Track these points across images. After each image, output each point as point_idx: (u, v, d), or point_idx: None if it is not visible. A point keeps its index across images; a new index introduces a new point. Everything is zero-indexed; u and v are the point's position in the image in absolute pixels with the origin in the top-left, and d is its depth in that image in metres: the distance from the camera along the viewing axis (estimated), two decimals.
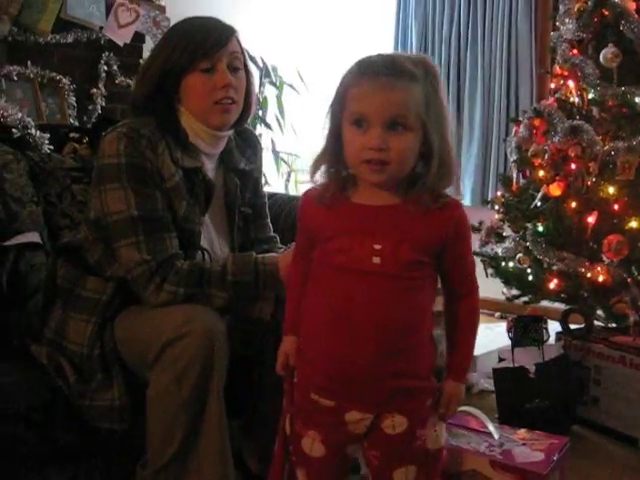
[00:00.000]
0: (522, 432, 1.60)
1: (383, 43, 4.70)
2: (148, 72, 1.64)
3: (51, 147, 2.63)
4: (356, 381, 1.21)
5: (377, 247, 1.18)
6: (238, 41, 1.68)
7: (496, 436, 1.55)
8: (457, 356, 1.31)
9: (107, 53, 3.19)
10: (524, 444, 1.50)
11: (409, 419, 1.23)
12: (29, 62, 2.94)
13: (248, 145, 1.85)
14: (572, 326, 2.55)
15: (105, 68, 3.19)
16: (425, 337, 1.25)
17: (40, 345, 1.67)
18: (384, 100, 1.14)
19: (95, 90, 3.17)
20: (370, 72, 1.16)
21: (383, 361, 1.19)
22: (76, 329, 1.63)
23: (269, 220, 1.92)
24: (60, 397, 1.59)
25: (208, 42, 1.61)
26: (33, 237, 1.97)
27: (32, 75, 2.96)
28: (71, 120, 3.05)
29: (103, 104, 3.18)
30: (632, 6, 2.53)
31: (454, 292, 1.29)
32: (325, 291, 1.24)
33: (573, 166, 2.53)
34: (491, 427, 1.59)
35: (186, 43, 1.60)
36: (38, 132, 2.66)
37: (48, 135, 2.67)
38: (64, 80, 3.05)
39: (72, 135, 2.65)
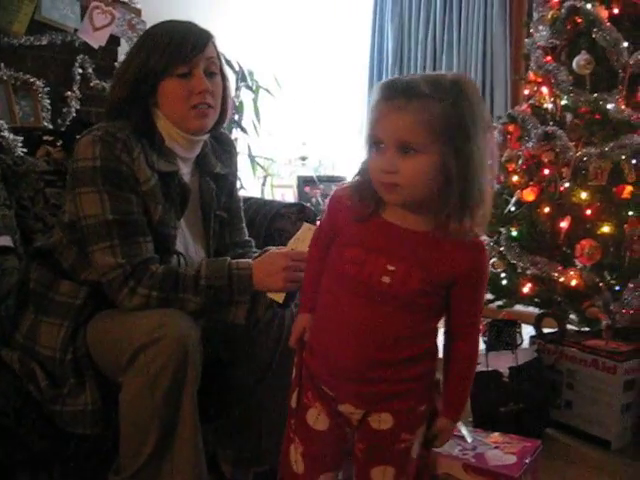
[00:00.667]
0: (495, 435, 1.61)
1: (359, 47, 4.72)
2: (124, 76, 1.63)
3: (24, 150, 2.60)
4: (351, 381, 1.26)
5: (390, 268, 1.21)
6: (214, 46, 1.67)
7: (469, 440, 1.56)
8: (452, 395, 1.33)
9: (82, 56, 3.17)
10: (497, 447, 1.51)
11: (395, 418, 1.27)
12: (2, 64, 2.91)
13: (224, 149, 1.84)
14: (545, 330, 2.57)
15: (80, 71, 3.17)
16: (423, 350, 1.28)
17: (11, 350, 1.65)
18: (393, 123, 1.15)
19: (69, 93, 3.14)
20: (385, 95, 1.17)
21: (377, 368, 1.25)
22: (48, 333, 1.61)
23: (244, 224, 1.91)
24: (32, 402, 1.57)
25: (185, 47, 1.60)
26: (5, 241, 1.95)
27: (5, 77, 2.93)
28: (45, 123, 3.02)
29: (77, 107, 3.16)
30: (604, 14, 2.56)
31: (454, 330, 1.31)
32: (334, 296, 1.28)
33: (546, 172, 2.56)
34: (464, 431, 1.60)
35: (163, 48, 1.59)
36: (11, 135, 2.64)
37: (21, 138, 2.65)
38: (38, 82, 3.02)
39: (46, 138, 2.63)
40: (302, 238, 1.58)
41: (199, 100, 1.62)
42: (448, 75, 1.19)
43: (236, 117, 4.12)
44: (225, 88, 1.71)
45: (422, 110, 1.13)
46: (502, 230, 2.63)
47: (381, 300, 1.22)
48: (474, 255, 1.23)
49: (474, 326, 1.32)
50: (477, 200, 1.18)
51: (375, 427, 1.28)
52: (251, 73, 4.31)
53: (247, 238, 1.90)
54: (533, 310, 2.75)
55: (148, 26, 3.17)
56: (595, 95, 2.53)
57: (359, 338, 1.24)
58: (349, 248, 1.25)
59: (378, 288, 1.21)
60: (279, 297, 1.57)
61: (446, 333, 1.33)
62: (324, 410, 1.31)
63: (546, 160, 2.55)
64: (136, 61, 1.61)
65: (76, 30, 3.08)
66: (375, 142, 1.18)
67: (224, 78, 1.71)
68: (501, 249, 2.60)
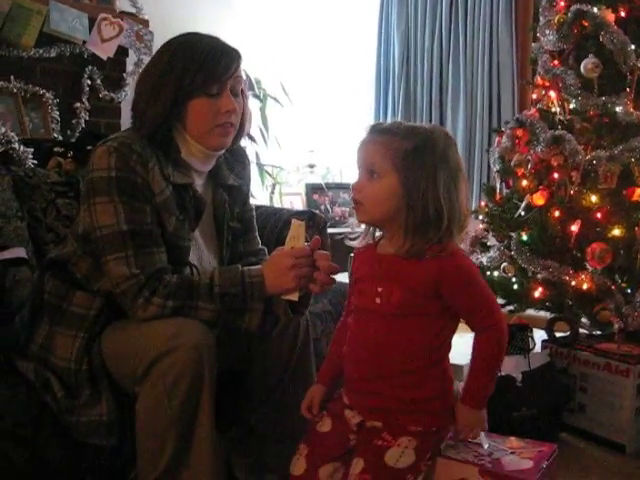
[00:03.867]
0: (511, 440, 1.60)
1: (366, 55, 4.73)
2: (160, 93, 1.60)
3: (35, 162, 2.62)
4: (355, 391, 1.47)
5: (379, 289, 1.40)
6: (240, 65, 1.68)
7: (485, 445, 1.55)
8: (470, 386, 1.45)
9: (90, 67, 3.19)
10: (513, 452, 1.50)
11: (384, 422, 1.41)
12: (12, 77, 2.94)
13: (237, 160, 1.85)
14: (557, 334, 2.56)
15: (88, 82, 3.20)
16: (416, 372, 1.40)
17: (27, 361, 1.66)
18: (364, 152, 1.41)
19: (79, 104, 3.17)
20: (366, 132, 1.43)
21: (368, 381, 1.43)
22: (63, 344, 1.62)
23: (257, 233, 1.92)
24: (48, 413, 1.58)
25: (219, 68, 1.61)
26: (19, 252, 1.96)
27: (15, 89, 2.96)
28: (55, 134, 3.05)
29: (87, 118, 3.19)
30: (611, 17, 2.57)
31: (471, 326, 1.43)
32: (350, 324, 1.49)
33: (556, 175, 2.56)
34: (480, 436, 1.59)
35: (197, 67, 1.59)
36: (22, 147, 2.66)
37: (32, 149, 2.67)
38: (47, 94, 3.04)
39: (56, 149, 2.65)
40: (296, 236, 1.62)
41: (224, 119, 1.64)
42: (428, 125, 1.43)
43: None
44: (245, 106, 1.72)
45: (387, 144, 1.37)
46: (512, 235, 2.63)
47: (375, 319, 1.41)
48: (444, 265, 1.36)
49: (491, 322, 1.40)
50: (430, 226, 1.34)
51: (368, 426, 1.43)
52: (258, 82, 4.33)
53: (260, 247, 1.91)
54: (545, 314, 2.74)
55: (156, 37, 3.21)
56: (603, 98, 2.54)
57: (361, 355, 1.43)
58: (358, 282, 1.48)
59: (372, 308, 1.41)
60: (294, 296, 1.59)
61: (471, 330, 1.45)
62: (328, 414, 1.49)
63: (555, 164, 2.55)
64: (171, 78, 1.59)
65: (84, 42, 3.10)
66: (357, 167, 1.42)
67: (244, 95, 1.72)
68: (512, 254, 2.60)
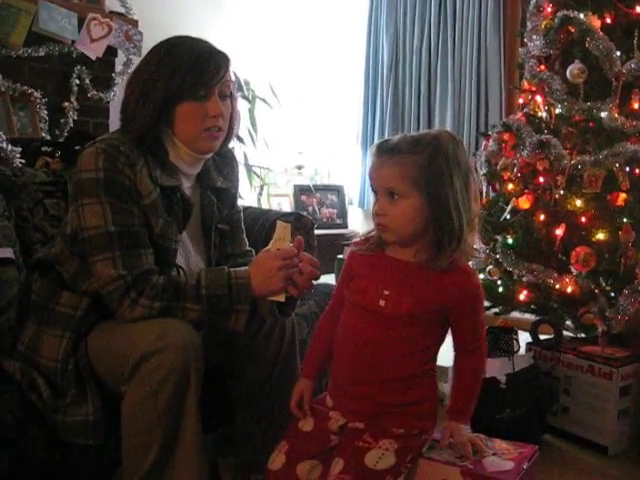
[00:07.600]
0: (494, 442, 1.62)
1: (355, 56, 4.74)
2: (150, 97, 1.61)
3: (23, 161, 2.62)
4: (340, 393, 1.47)
5: (386, 293, 1.41)
6: (229, 69, 1.69)
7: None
8: (456, 404, 1.49)
9: (79, 67, 3.19)
10: (495, 454, 1.52)
11: (366, 424, 1.42)
12: (0, 75, 2.93)
13: (225, 163, 1.86)
14: (542, 337, 2.58)
15: (77, 82, 3.19)
16: (407, 379, 1.42)
17: (13, 360, 1.66)
18: (380, 175, 1.40)
19: (67, 104, 3.16)
20: (375, 153, 1.41)
21: (358, 384, 1.43)
22: (50, 344, 1.62)
23: (245, 235, 1.93)
24: (34, 413, 1.58)
25: (208, 72, 1.61)
26: (6, 252, 1.96)
27: (3, 88, 2.95)
28: (43, 134, 3.04)
29: (75, 118, 3.18)
30: (597, 23, 2.59)
31: (458, 346, 1.48)
32: (342, 320, 1.49)
33: (541, 179, 2.58)
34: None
35: (186, 70, 1.60)
36: (9, 146, 2.66)
37: (20, 149, 2.66)
38: (36, 94, 3.04)
39: (44, 149, 2.64)
40: (282, 237, 1.64)
41: (212, 123, 1.65)
42: (432, 132, 1.42)
43: None
44: (233, 108, 1.73)
45: (401, 163, 1.36)
46: (498, 238, 2.64)
47: (378, 321, 1.41)
48: (462, 282, 1.40)
49: (478, 344, 1.47)
50: (454, 236, 1.36)
51: (350, 427, 1.44)
52: (247, 83, 4.34)
53: (248, 248, 1.92)
54: (529, 317, 2.76)
55: (145, 37, 3.21)
56: (589, 104, 2.55)
57: (357, 354, 1.43)
58: (357, 279, 1.47)
59: (375, 310, 1.41)
60: (281, 297, 1.61)
61: (454, 350, 1.49)
62: (311, 414, 1.50)
63: (541, 168, 2.56)
64: (160, 82, 1.60)
65: (73, 42, 3.10)
66: (373, 191, 1.43)
67: (233, 98, 1.73)
68: (497, 257, 2.62)
